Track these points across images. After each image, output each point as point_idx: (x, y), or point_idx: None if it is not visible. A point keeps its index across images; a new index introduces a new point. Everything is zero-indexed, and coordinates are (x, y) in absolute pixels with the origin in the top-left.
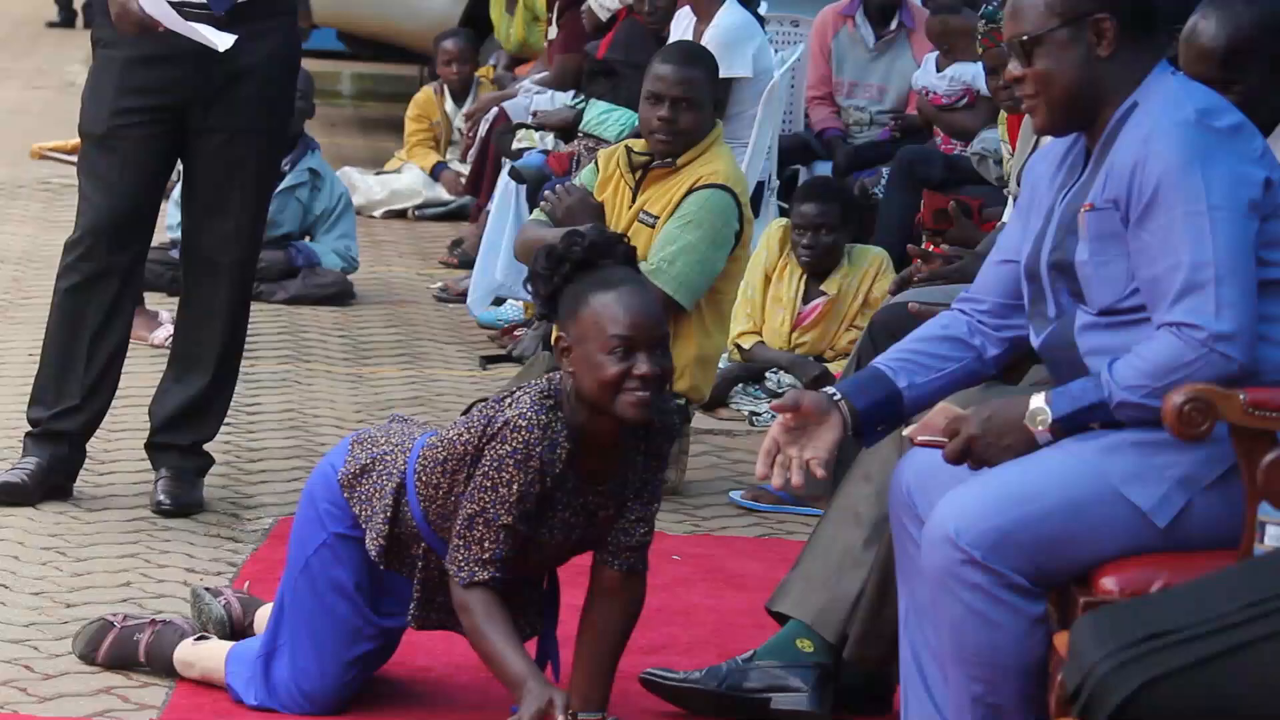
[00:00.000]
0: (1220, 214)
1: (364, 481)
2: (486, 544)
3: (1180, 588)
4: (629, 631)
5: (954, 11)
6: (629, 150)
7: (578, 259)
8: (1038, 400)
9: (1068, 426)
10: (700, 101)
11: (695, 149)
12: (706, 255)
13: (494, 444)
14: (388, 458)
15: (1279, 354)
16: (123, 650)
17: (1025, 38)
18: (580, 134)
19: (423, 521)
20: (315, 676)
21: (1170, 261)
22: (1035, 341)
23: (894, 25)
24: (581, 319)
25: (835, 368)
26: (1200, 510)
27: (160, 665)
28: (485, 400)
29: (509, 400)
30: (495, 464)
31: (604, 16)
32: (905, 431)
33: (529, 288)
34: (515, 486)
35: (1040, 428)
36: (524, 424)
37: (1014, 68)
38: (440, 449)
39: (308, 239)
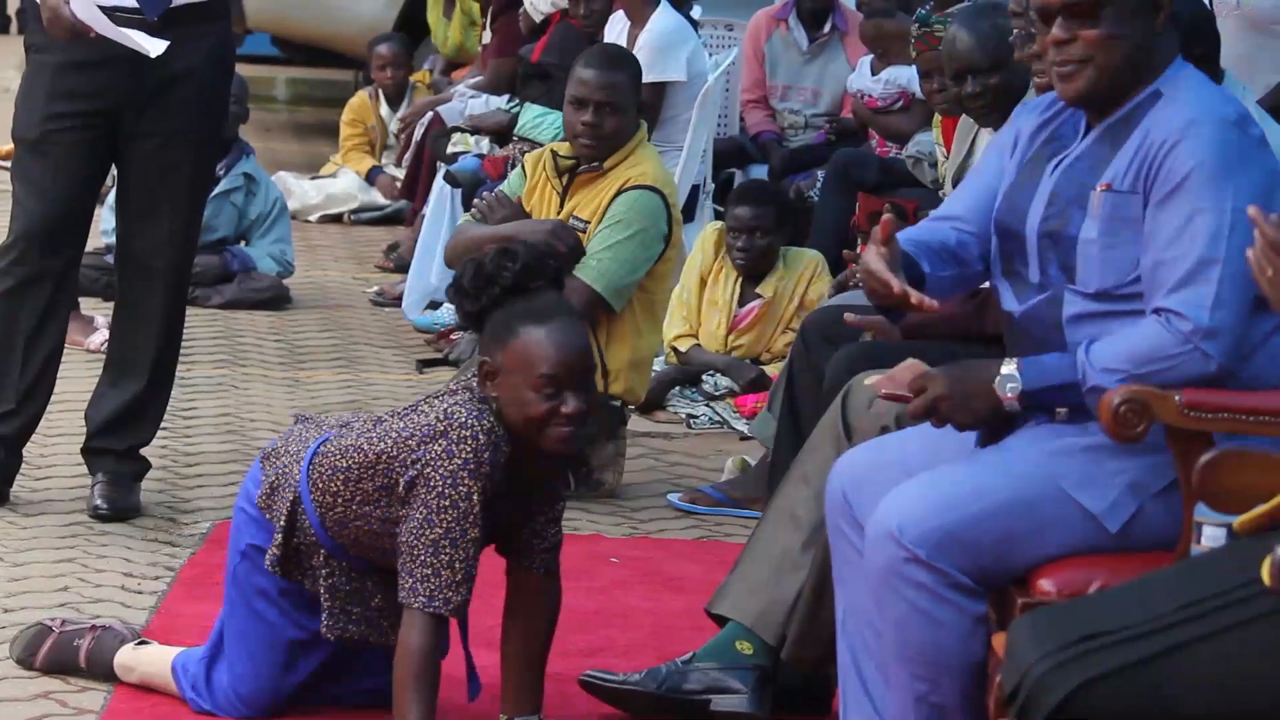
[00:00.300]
0: (1242, 220)
1: (275, 499)
2: (458, 565)
3: (1117, 589)
4: (552, 633)
5: (887, 15)
6: (555, 155)
7: (507, 284)
8: (1009, 367)
9: (1035, 401)
10: (624, 105)
11: (621, 151)
12: (635, 255)
13: (440, 460)
14: (288, 470)
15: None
16: (61, 655)
17: None
18: (515, 137)
19: (320, 529)
20: (250, 680)
21: (1179, 251)
22: (1014, 305)
23: (827, 29)
24: (510, 349)
25: (771, 370)
26: (1149, 515)
27: (100, 670)
28: (393, 412)
29: (436, 415)
30: (449, 481)
31: (537, 19)
32: (868, 382)
33: (448, 295)
34: (475, 498)
35: (1009, 394)
36: (468, 434)
37: (1060, 30)
38: (339, 456)
39: (243, 243)
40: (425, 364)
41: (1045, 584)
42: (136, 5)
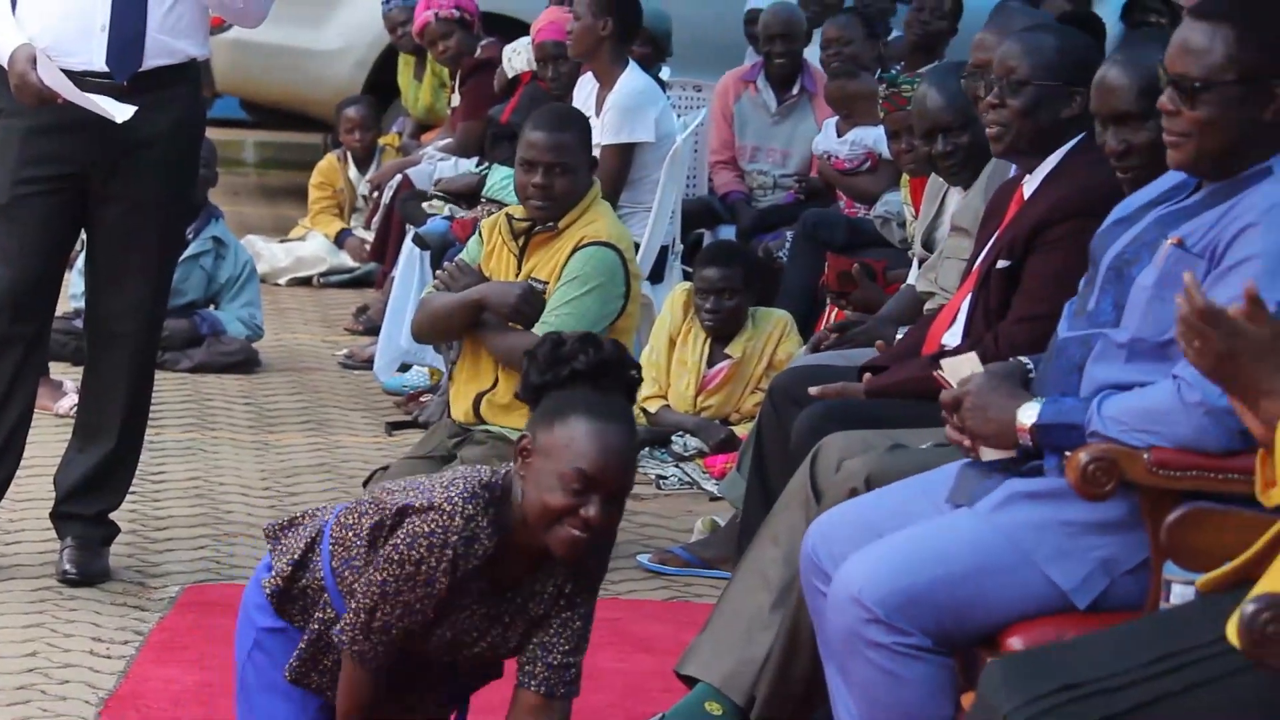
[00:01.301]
0: None
1: (287, 534)
2: (379, 615)
3: (1090, 637)
4: None
5: (852, 76)
6: (509, 218)
7: (581, 368)
8: (1035, 399)
9: (1045, 437)
10: (573, 165)
11: (575, 210)
12: (593, 310)
13: (414, 518)
14: (315, 514)
15: None
16: None
17: (1197, 84)
18: (483, 199)
19: (328, 570)
20: None
21: None
22: (1063, 329)
23: (795, 90)
24: (555, 433)
25: (741, 430)
26: (1117, 588)
27: None
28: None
29: (446, 481)
30: (409, 540)
31: (510, 74)
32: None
33: (525, 363)
34: (423, 568)
35: (1024, 423)
36: (448, 509)
37: (1169, 101)
38: (368, 505)
39: (213, 307)
40: (395, 426)
41: (1014, 642)
42: (106, 70)
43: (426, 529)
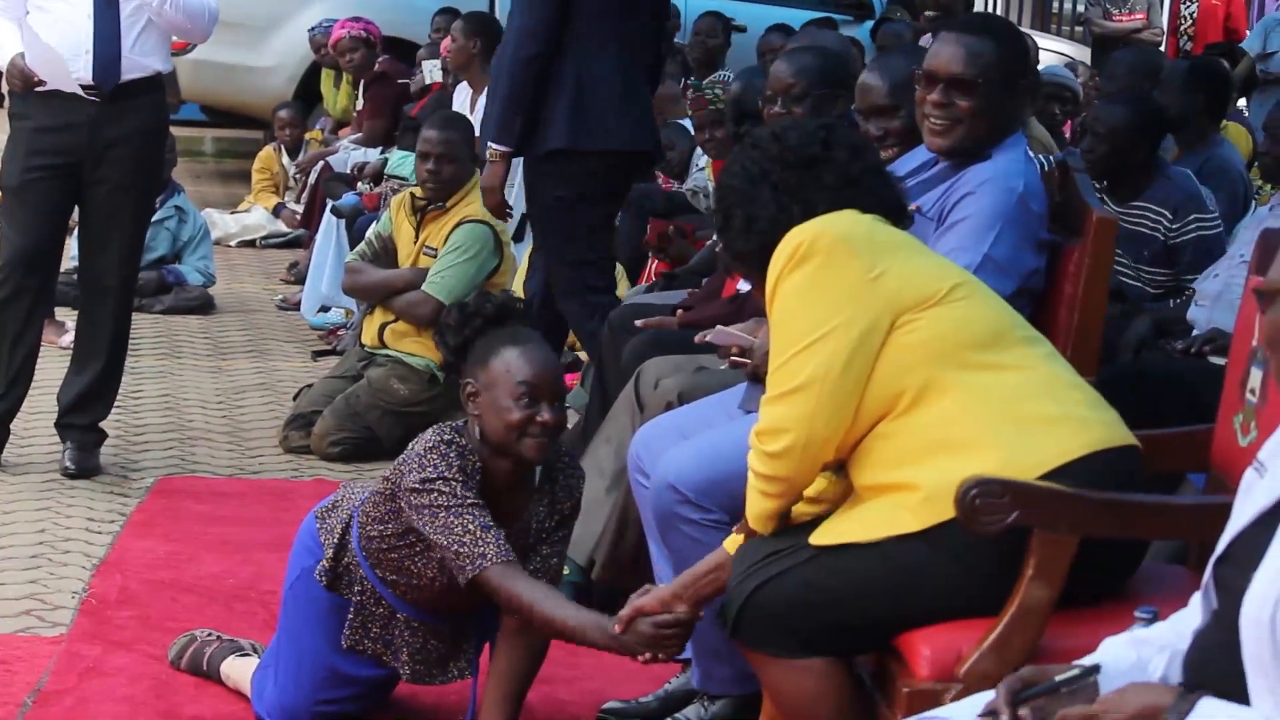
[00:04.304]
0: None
1: (330, 516)
2: (470, 526)
3: None
4: (534, 670)
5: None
6: (412, 197)
7: (489, 314)
8: None
9: None
10: (459, 156)
11: (460, 193)
12: (468, 271)
13: (408, 462)
14: (352, 496)
15: None
16: (195, 659)
17: (974, 80)
18: (386, 176)
19: (358, 547)
20: (291, 692)
21: None
22: None
23: None
24: (491, 368)
25: (583, 355)
26: None
27: (214, 673)
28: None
29: (418, 443)
30: (418, 464)
31: (427, 80)
32: (697, 338)
33: (437, 338)
34: (448, 485)
35: None
36: (431, 442)
37: (941, 96)
38: (380, 495)
39: (176, 262)
40: (318, 354)
41: None
42: (93, 83)
43: (424, 447)
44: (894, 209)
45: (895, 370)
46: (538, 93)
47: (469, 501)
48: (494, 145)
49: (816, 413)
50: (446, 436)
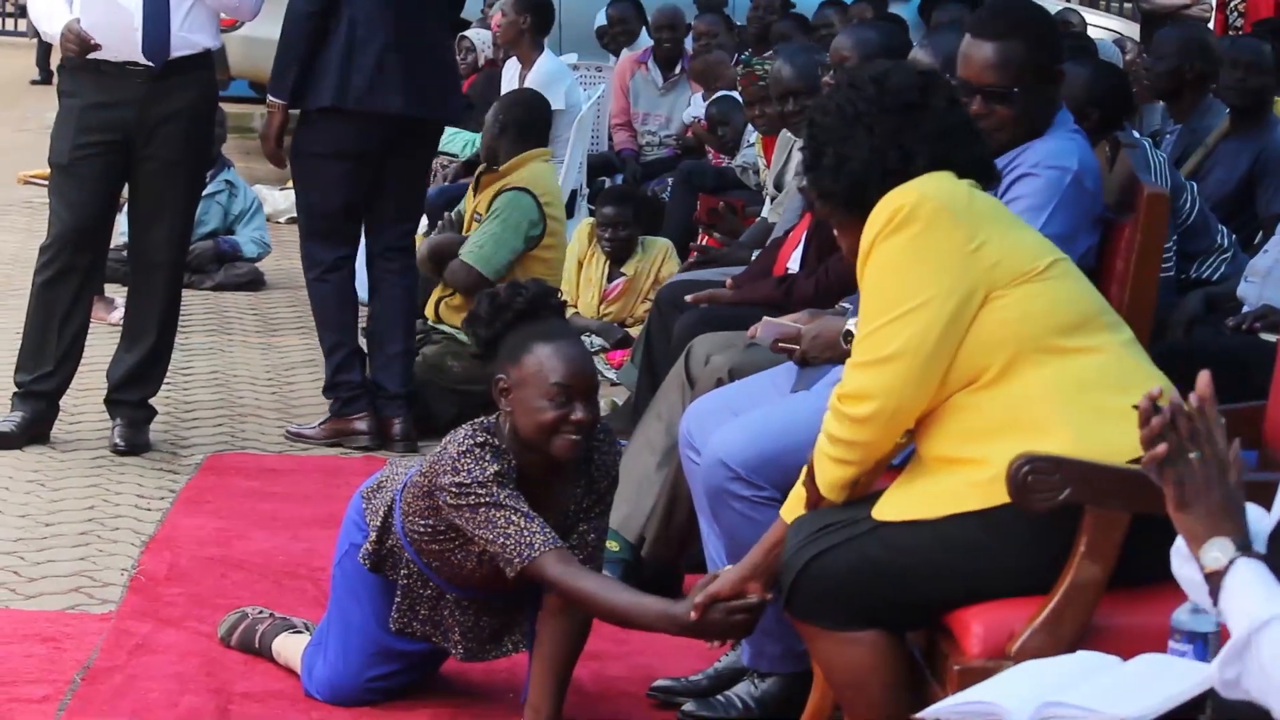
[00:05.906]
0: None
1: (376, 496)
2: (513, 518)
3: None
4: (578, 649)
5: (707, 51)
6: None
7: (520, 309)
8: (850, 323)
9: None
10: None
11: (515, 161)
12: (503, 237)
13: (442, 463)
14: (396, 477)
15: None
16: (246, 636)
17: (1009, 90)
18: (439, 153)
19: (401, 530)
20: (340, 669)
21: None
22: None
23: (677, 70)
24: (524, 365)
25: (634, 331)
26: None
27: (265, 651)
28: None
29: (451, 441)
30: (452, 468)
31: (480, 60)
32: (750, 334)
33: (466, 328)
34: (487, 474)
35: (845, 345)
36: (463, 440)
37: (980, 106)
38: (419, 489)
39: (231, 234)
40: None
41: None
42: (145, 61)
43: (458, 449)
44: (984, 167)
45: (982, 346)
46: (311, 48)
47: (507, 494)
48: (271, 97)
49: (906, 384)
50: (479, 438)
